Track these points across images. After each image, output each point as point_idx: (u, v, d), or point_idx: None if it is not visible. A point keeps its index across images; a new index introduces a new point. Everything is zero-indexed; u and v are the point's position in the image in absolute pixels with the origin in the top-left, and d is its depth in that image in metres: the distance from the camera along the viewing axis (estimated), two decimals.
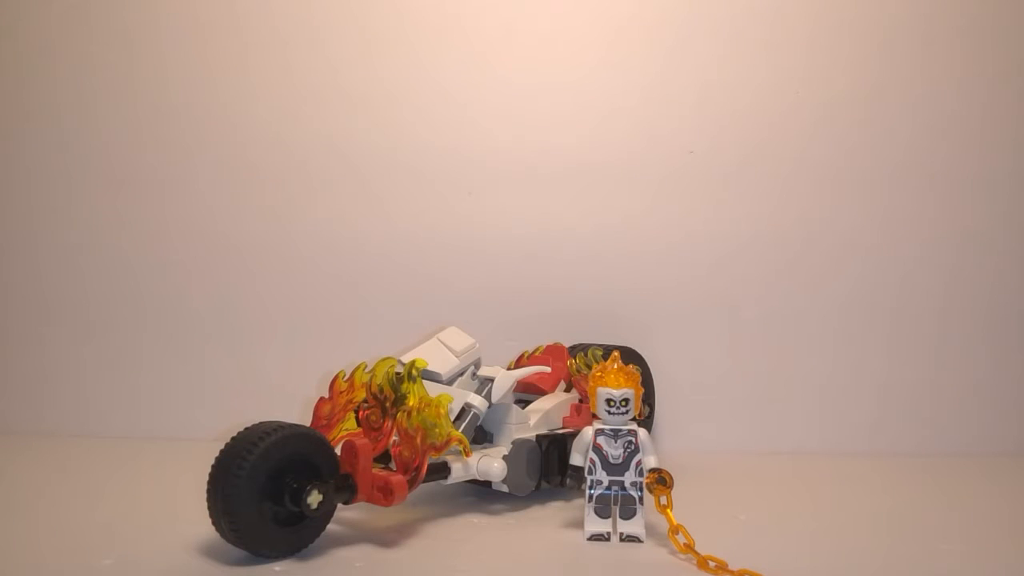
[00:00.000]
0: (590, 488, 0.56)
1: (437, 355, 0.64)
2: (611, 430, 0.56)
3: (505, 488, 0.63)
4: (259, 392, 0.90)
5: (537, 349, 0.78)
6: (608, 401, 0.55)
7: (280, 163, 0.93)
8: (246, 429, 0.51)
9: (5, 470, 0.77)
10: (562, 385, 0.77)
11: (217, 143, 0.93)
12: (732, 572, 0.49)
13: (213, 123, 0.93)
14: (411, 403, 0.56)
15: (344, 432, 0.59)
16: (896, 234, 0.91)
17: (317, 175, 0.93)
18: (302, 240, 0.93)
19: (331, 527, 0.55)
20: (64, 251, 0.94)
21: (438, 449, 0.55)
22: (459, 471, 0.60)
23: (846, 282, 0.91)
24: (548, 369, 0.71)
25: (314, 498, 0.50)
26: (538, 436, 0.66)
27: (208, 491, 0.49)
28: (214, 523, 0.49)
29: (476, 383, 0.65)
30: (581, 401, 0.72)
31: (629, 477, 0.55)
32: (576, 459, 0.57)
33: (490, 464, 0.61)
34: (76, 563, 0.50)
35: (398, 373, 0.58)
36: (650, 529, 0.56)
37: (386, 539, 0.56)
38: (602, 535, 0.55)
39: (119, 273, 0.94)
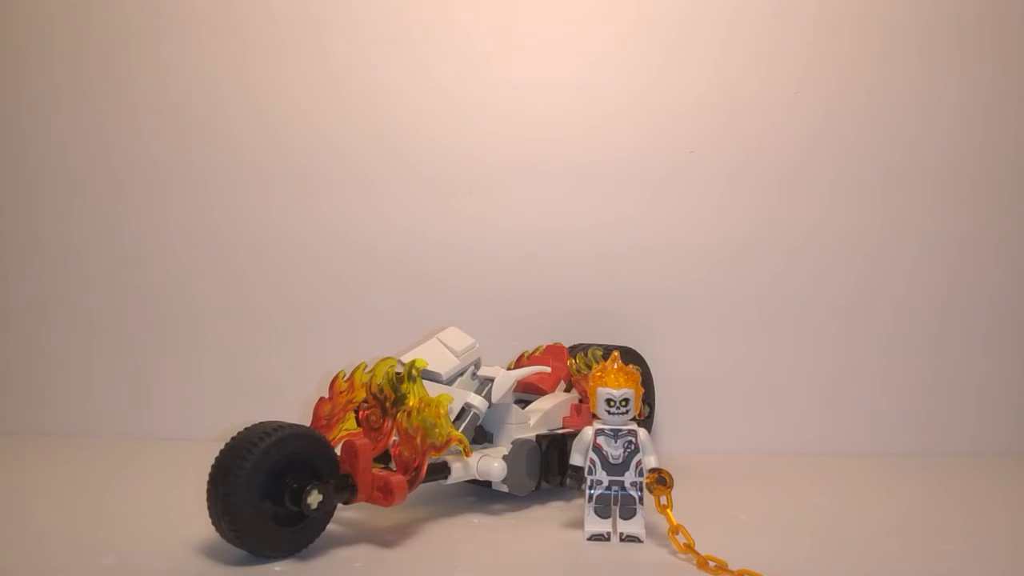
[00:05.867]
0: (590, 488, 0.56)
1: (437, 355, 0.64)
2: (611, 430, 0.56)
3: (505, 488, 0.63)
4: (259, 392, 0.90)
5: (537, 349, 0.78)
6: (608, 401, 0.55)
7: (280, 163, 0.93)
8: (246, 429, 0.51)
9: (5, 470, 0.77)
10: (562, 385, 0.77)
11: (217, 143, 0.93)
12: (732, 572, 0.49)
13: (213, 123, 0.93)
14: (411, 403, 0.56)
15: (344, 432, 0.59)
16: (896, 234, 0.91)
17: (317, 175, 0.93)
18: (302, 240, 0.93)
19: (331, 527, 0.55)
20: (64, 251, 0.94)
21: (438, 449, 0.55)
22: (459, 471, 0.60)
23: (846, 282, 0.91)
24: (548, 369, 0.71)
25: (314, 498, 0.50)
26: (538, 436, 0.66)
27: (208, 491, 0.49)
28: (214, 523, 0.49)
29: (476, 383, 0.65)
30: (581, 401, 0.72)
31: (629, 477, 0.55)
32: (576, 459, 0.57)
33: (490, 464, 0.61)
34: (76, 563, 0.50)
35: (398, 373, 0.58)
36: (650, 529, 0.56)
37: (386, 539, 0.56)
38: (602, 535, 0.55)
39: (119, 273, 0.94)
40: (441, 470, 0.59)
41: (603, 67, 0.92)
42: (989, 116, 0.91)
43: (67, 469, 0.76)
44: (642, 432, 0.56)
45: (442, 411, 0.55)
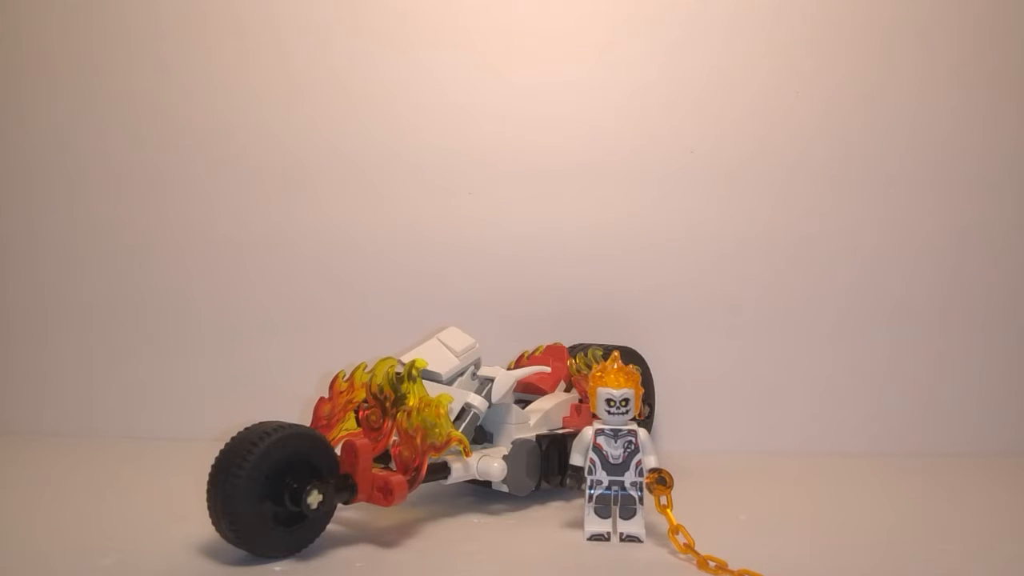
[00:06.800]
0: (590, 488, 0.56)
1: (437, 355, 0.64)
2: (611, 430, 0.56)
3: (505, 488, 0.63)
4: (259, 392, 0.90)
5: (537, 349, 0.78)
6: (608, 401, 0.55)
7: (280, 163, 0.93)
8: (246, 429, 0.51)
9: (5, 470, 0.77)
10: (562, 385, 0.77)
11: (217, 143, 0.93)
12: (732, 572, 0.49)
13: (213, 123, 0.93)
14: (411, 403, 0.56)
15: (344, 432, 0.59)
16: (896, 234, 0.91)
17: (317, 175, 0.93)
18: (302, 240, 0.93)
19: (331, 527, 0.55)
20: (64, 251, 0.94)
21: (438, 449, 0.55)
22: (459, 471, 0.60)
23: (846, 282, 0.91)
24: (548, 369, 0.71)
25: (314, 498, 0.50)
26: (538, 436, 0.66)
27: (208, 491, 0.49)
28: (214, 523, 0.49)
29: (476, 383, 0.65)
30: (581, 401, 0.72)
31: (629, 477, 0.55)
32: (576, 459, 0.57)
33: (490, 464, 0.61)
34: (76, 563, 0.50)
35: (398, 373, 0.58)
36: (650, 529, 0.56)
37: (386, 539, 0.56)
38: (602, 535, 0.55)
39: (119, 273, 0.94)
40: (441, 470, 0.59)
41: (603, 67, 0.92)
42: (989, 116, 0.91)
43: (67, 469, 0.76)
44: (642, 432, 0.56)
45: (442, 411, 0.55)
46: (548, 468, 0.66)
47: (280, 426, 0.51)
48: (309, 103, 0.93)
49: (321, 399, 0.60)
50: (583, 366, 0.74)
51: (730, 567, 0.49)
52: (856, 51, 0.91)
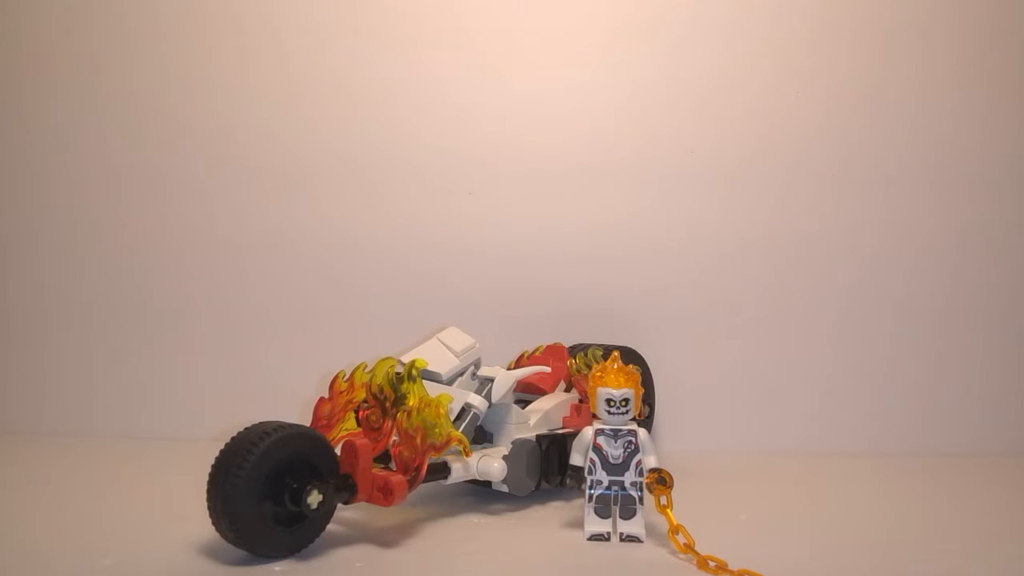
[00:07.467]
0: (590, 488, 0.56)
1: (437, 355, 0.64)
2: (611, 430, 0.56)
3: (505, 488, 0.63)
4: (259, 392, 0.90)
5: (537, 349, 0.78)
6: (608, 401, 0.55)
7: (280, 163, 0.93)
8: (246, 429, 0.51)
9: (5, 470, 0.77)
10: (562, 385, 0.77)
11: (217, 143, 0.93)
12: (732, 572, 0.49)
13: (213, 123, 0.93)
14: (411, 403, 0.56)
15: (344, 432, 0.59)
16: (896, 234, 0.91)
17: (317, 175, 0.93)
18: (302, 240, 0.93)
19: (331, 527, 0.55)
20: (64, 251, 0.94)
21: (438, 449, 0.55)
22: (459, 471, 0.60)
23: (846, 282, 0.91)
24: (548, 369, 0.71)
25: (314, 498, 0.50)
26: (538, 436, 0.66)
27: (208, 491, 0.49)
28: (214, 523, 0.49)
29: (476, 383, 0.65)
30: (581, 401, 0.72)
31: (629, 477, 0.55)
32: (576, 459, 0.57)
33: (490, 464, 0.61)
34: (76, 563, 0.50)
35: (398, 373, 0.58)
36: (650, 529, 0.56)
37: (386, 539, 0.56)
38: (602, 535, 0.56)
39: (119, 273, 0.94)
40: (441, 470, 0.59)
41: (603, 67, 0.92)
42: (989, 116, 0.91)
43: (67, 469, 0.76)
44: (642, 432, 0.56)
45: (442, 411, 0.55)
46: (548, 468, 0.66)
47: (280, 426, 0.51)
48: (309, 103, 0.93)
49: (321, 399, 0.60)
50: (583, 366, 0.74)
51: (730, 567, 0.49)
52: (856, 51, 0.91)
